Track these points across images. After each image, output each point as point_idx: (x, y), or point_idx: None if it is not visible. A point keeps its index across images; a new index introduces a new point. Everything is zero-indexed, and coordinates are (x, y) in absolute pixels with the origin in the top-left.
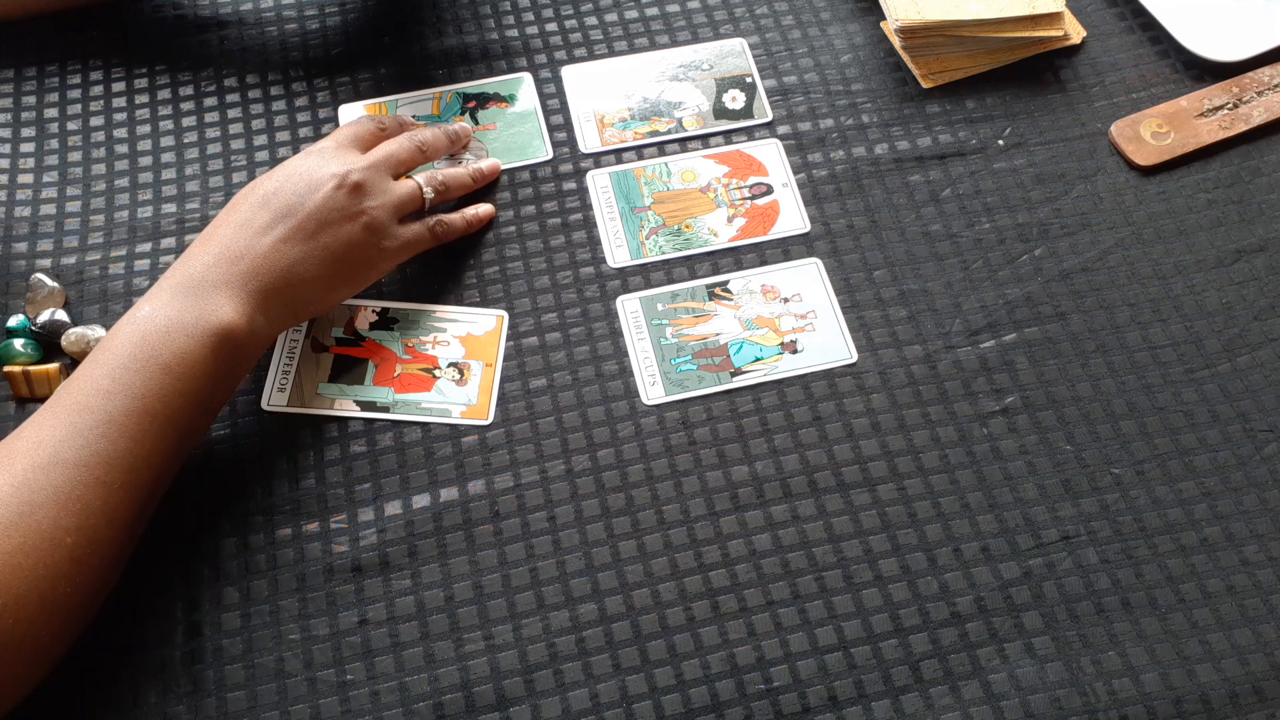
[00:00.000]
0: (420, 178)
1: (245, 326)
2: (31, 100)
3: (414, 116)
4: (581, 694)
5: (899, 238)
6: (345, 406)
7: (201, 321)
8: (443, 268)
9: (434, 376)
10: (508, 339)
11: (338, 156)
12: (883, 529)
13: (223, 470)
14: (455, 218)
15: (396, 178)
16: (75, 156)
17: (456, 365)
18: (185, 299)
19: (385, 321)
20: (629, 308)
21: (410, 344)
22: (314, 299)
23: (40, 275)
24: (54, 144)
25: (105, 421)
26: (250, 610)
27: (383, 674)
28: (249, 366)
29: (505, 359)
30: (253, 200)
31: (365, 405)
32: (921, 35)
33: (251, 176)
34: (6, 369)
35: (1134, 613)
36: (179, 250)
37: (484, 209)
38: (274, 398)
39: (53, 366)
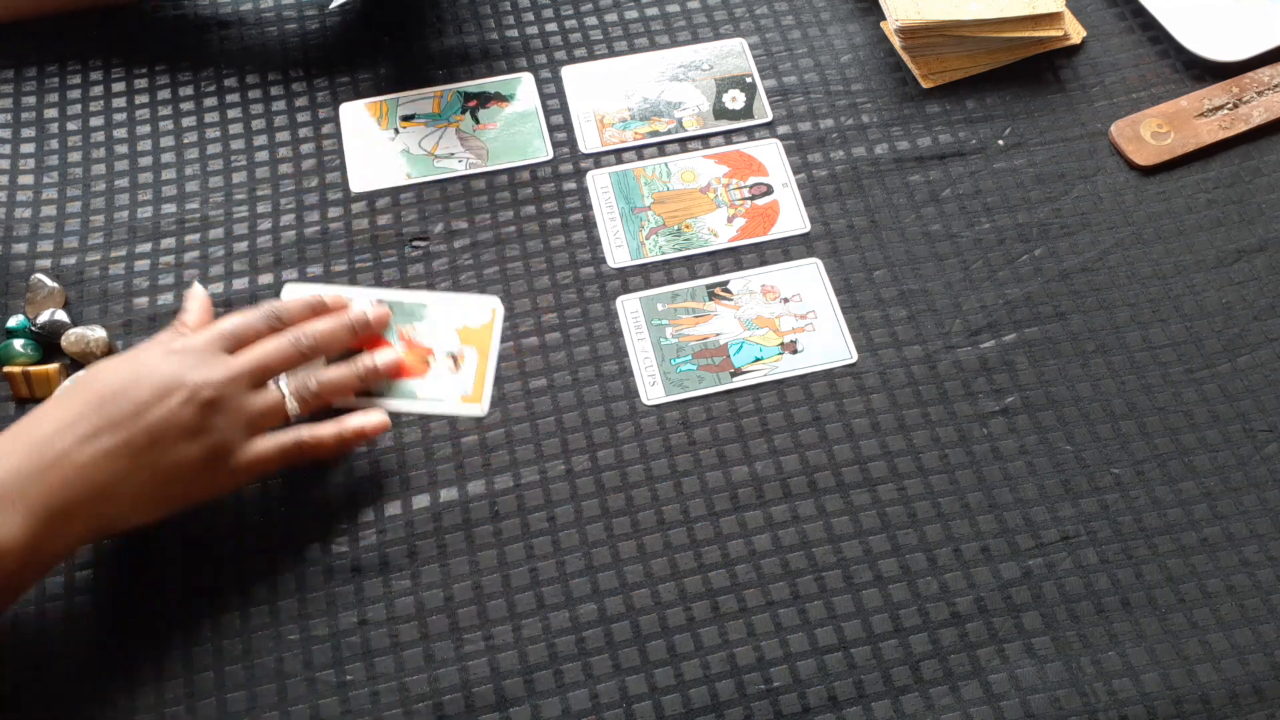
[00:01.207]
0: (290, 386)
1: (28, 551)
2: (31, 100)
3: (414, 115)
4: (581, 694)
5: (899, 238)
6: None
7: None
8: (442, 267)
9: (429, 364)
10: (504, 339)
11: (200, 362)
12: (882, 529)
13: None
14: (326, 432)
15: (262, 384)
16: (75, 156)
17: (451, 354)
18: None
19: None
20: (629, 308)
21: (404, 332)
22: (129, 516)
23: (40, 275)
24: (54, 144)
25: None
26: (250, 610)
27: (382, 674)
28: (28, 587)
29: (505, 359)
30: (90, 396)
31: (360, 393)
32: (921, 35)
33: (252, 177)
34: (6, 369)
35: (1134, 613)
36: (179, 250)
37: (371, 421)
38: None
39: (53, 366)
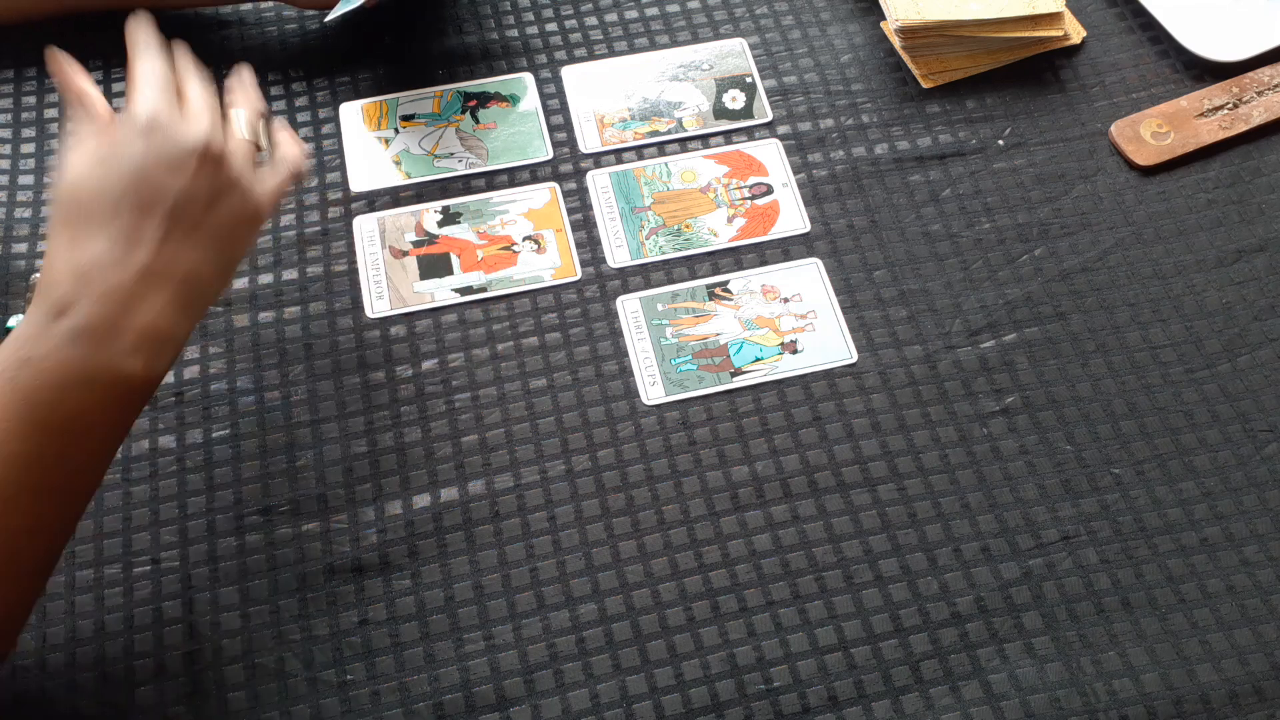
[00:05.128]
0: (242, 122)
1: (151, 364)
2: (31, 100)
3: (414, 115)
4: (581, 694)
5: (899, 238)
6: (445, 296)
7: (102, 372)
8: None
9: (514, 252)
10: (506, 340)
11: (181, 127)
12: (883, 529)
13: (222, 469)
14: (291, 145)
15: None
16: None
17: (531, 237)
18: (79, 345)
19: (450, 217)
20: (629, 308)
21: (481, 230)
22: (215, 293)
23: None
24: (54, 144)
25: None
26: (250, 610)
27: (383, 674)
28: (149, 399)
29: (505, 359)
30: (110, 200)
31: (463, 291)
32: (921, 35)
33: None
34: None
35: (1134, 613)
36: None
37: (284, 134)
38: (376, 305)
39: None
